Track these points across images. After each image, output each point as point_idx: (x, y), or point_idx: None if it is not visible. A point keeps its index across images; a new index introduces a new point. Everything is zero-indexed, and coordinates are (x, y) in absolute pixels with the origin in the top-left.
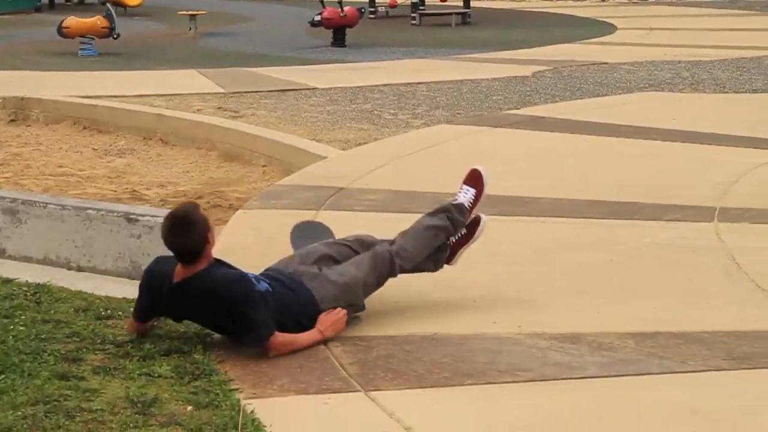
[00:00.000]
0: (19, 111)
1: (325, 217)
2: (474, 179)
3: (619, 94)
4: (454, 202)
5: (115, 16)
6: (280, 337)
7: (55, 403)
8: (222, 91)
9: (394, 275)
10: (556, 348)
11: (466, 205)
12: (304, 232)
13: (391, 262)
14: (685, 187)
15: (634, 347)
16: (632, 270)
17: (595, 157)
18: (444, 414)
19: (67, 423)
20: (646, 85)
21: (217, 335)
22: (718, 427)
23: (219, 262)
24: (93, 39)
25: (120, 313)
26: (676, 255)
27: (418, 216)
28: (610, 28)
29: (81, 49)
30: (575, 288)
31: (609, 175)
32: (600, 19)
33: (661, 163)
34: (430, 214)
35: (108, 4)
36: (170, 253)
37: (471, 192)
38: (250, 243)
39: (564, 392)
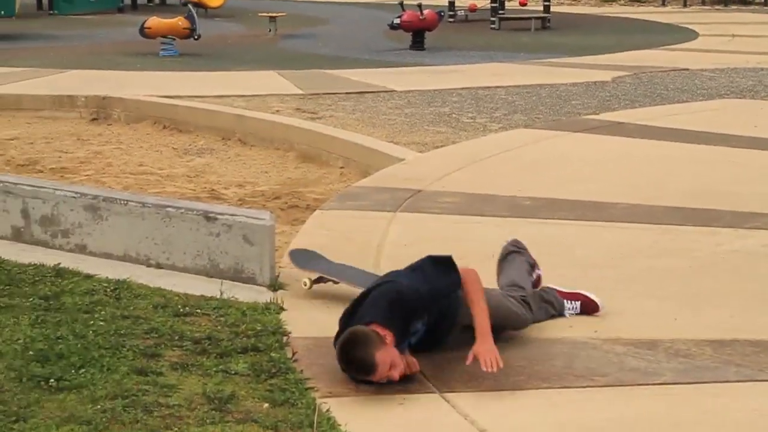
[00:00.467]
0: (101, 110)
1: (401, 218)
2: (589, 307)
3: (700, 100)
4: (557, 309)
5: (196, 17)
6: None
7: (134, 397)
8: (300, 92)
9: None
10: (633, 353)
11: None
12: (306, 255)
13: None
14: (765, 195)
15: (711, 354)
16: (710, 277)
17: (673, 164)
18: (519, 417)
19: (144, 417)
20: (728, 92)
21: (293, 334)
22: None
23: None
24: (174, 39)
25: (198, 310)
26: (755, 263)
27: (494, 220)
28: (691, 35)
29: (162, 49)
30: (652, 294)
31: (688, 181)
32: (681, 25)
33: (742, 170)
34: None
35: (189, 5)
36: None
37: (577, 310)
38: (327, 243)
39: (641, 398)
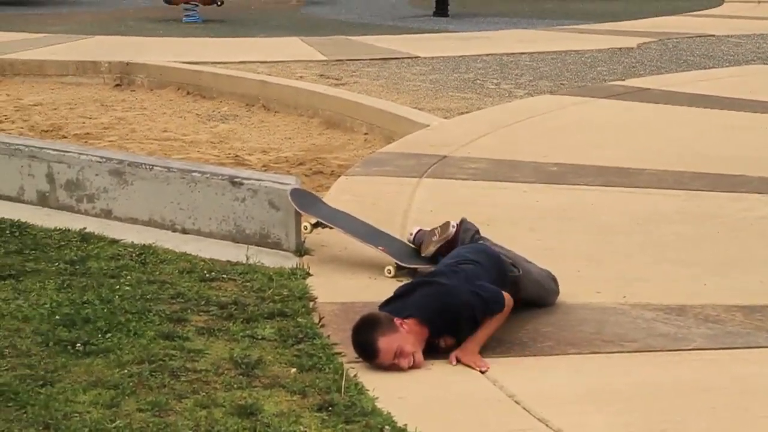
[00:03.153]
0: (125, 76)
1: (427, 184)
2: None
3: (726, 66)
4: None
5: None
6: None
7: (161, 362)
8: (324, 58)
9: None
10: (662, 319)
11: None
12: (308, 199)
13: None
14: None
15: (741, 320)
16: (738, 243)
17: (700, 129)
18: (547, 382)
19: (172, 382)
20: (754, 57)
21: (320, 300)
22: None
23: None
24: (197, 6)
25: (224, 275)
26: None
27: (520, 185)
28: (716, 1)
29: (185, 15)
30: (680, 259)
31: (715, 147)
32: None
33: None
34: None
35: None
36: None
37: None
38: (353, 209)
39: (670, 363)
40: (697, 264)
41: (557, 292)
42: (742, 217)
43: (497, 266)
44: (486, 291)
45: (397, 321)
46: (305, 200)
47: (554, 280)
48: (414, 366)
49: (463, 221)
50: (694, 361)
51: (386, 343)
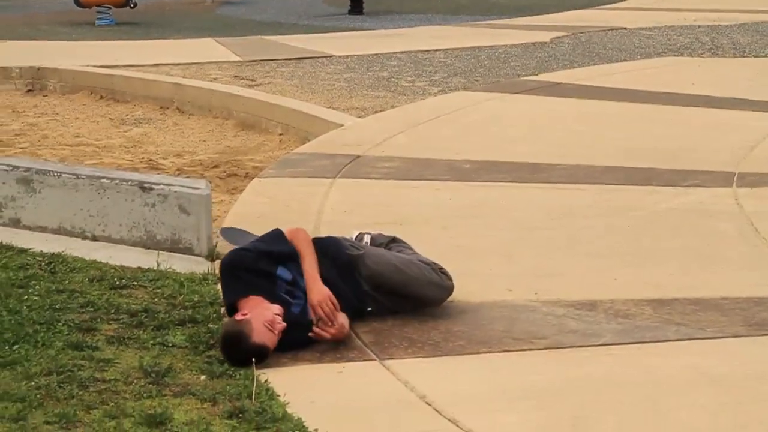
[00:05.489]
0: (36, 81)
1: (341, 184)
2: None
3: (638, 59)
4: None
5: None
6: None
7: (69, 373)
8: (239, 59)
9: None
10: (573, 315)
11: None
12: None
13: None
14: (703, 152)
15: (651, 314)
16: (649, 236)
17: (612, 123)
18: (459, 382)
19: (80, 393)
20: (665, 50)
21: None
22: (736, 393)
23: None
24: (110, 8)
25: (134, 282)
26: (694, 220)
27: (433, 183)
28: None
29: (98, 18)
30: (591, 254)
31: (626, 140)
32: None
33: (680, 128)
34: None
35: None
36: None
37: None
38: (266, 211)
39: (580, 359)
40: (609, 258)
41: (444, 287)
42: (653, 210)
43: (327, 245)
44: (260, 239)
45: (238, 317)
46: (235, 234)
47: (443, 272)
48: (280, 315)
49: (373, 238)
50: (604, 357)
51: (258, 335)
